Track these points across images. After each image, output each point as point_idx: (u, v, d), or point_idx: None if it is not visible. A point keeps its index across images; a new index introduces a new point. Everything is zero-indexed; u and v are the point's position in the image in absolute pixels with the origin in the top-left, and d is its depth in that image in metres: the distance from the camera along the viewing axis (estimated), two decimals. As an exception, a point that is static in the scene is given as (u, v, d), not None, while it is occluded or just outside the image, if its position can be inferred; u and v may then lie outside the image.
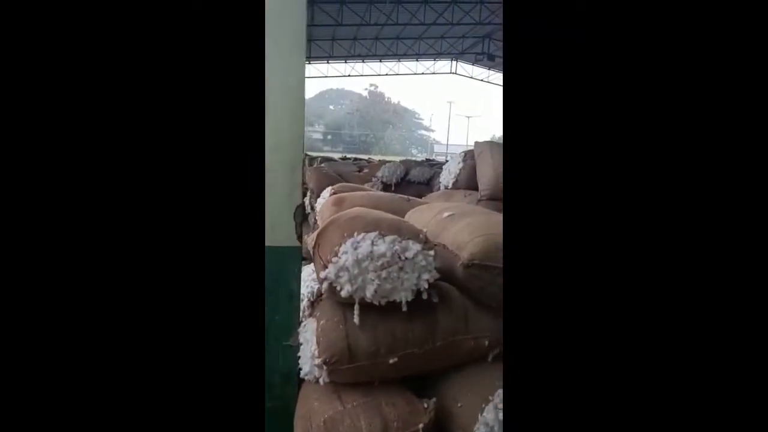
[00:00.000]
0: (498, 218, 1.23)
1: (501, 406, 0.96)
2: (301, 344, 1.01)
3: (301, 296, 1.13)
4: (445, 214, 1.27)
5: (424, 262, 0.94)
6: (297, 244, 1.02)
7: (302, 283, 1.14)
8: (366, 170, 4.48)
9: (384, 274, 0.90)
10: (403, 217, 1.47)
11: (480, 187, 1.93)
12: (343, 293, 0.90)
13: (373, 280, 0.90)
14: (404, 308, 0.94)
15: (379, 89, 49.42)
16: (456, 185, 2.20)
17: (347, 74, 18.21)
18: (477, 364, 1.05)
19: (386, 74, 18.19)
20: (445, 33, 13.81)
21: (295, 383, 1.05)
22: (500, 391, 0.98)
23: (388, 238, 0.92)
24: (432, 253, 0.96)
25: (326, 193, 1.90)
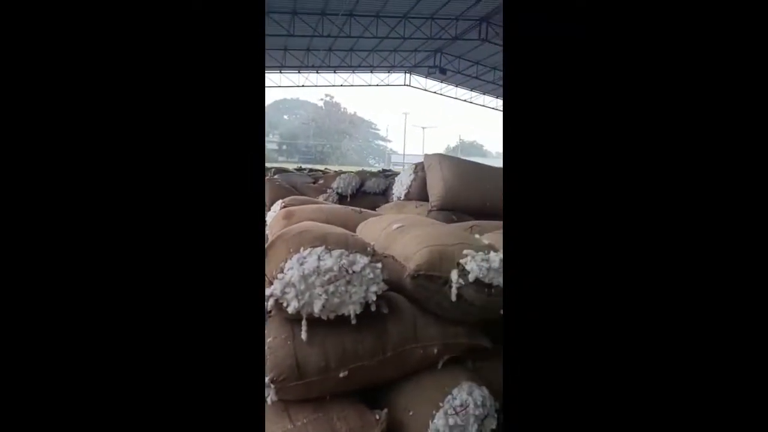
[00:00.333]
0: (445, 229, 1.28)
1: (451, 411, 0.99)
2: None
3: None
4: (395, 226, 1.30)
5: (371, 275, 0.96)
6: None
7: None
8: (321, 181, 4.45)
9: (331, 288, 0.91)
10: (355, 228, 1.49)
11: (430, 198, 1.99)
12: (290, 309, 0.90)
13: (321, 295, 0.90)
14: (353, 321, 0.95)
15: (334, 99, 49.50)
16: (408, 196, 2.26)
17: (301, 84, 18.09)
18: (427, 371, 1.08)
19: (341, 85, 18.28)
20: (398, 47, 14.15)
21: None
22: (449, 397, 1.01)
23: (335, 253, 0.93)
24: (379, 265, 0.98)
25: (277, 206, 1.87)
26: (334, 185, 3.73)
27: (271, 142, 43.52)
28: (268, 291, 0.91)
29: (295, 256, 0.91)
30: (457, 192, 1.90)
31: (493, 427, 1.05)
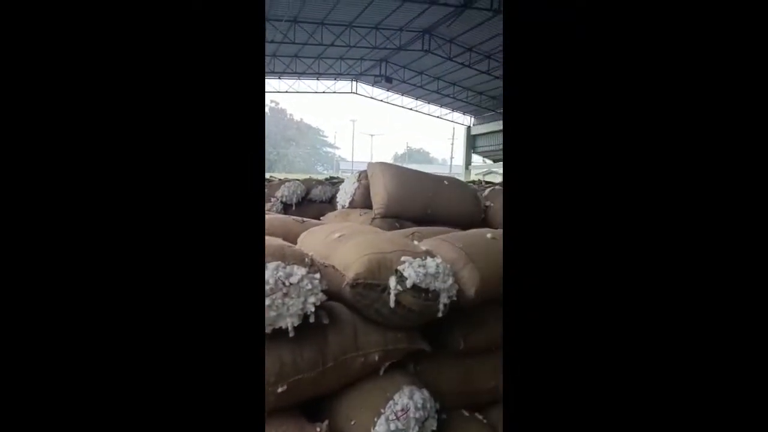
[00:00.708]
0: (385, 236, 1.30)
1: (392, 417, 1.01)
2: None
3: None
4: (336, 235, 1.30)
5: (309, 286, 0.95)
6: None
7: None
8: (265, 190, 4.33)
9: (268, 301, 0.89)
10: (297, 239, 1.47)
11: (374, 206, 2.02)
12: (224, 326, 0.86)
13: (256, 309, 0.88)
14: (291, 334, 0.93)
15: (280, 106, 48.41)
16: (352, 204, 2.27)
17: (245, 90, 17.44)
18: (368, 379, 1.09)
19: (286, 91, 17.95)
20: (344, 54, 14.22)
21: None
22: (391, 403, 1.02)
23: (271, 265, 0.92)
24: (317, 276, 0.98)
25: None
26: (278, 194, 3.65)
27: (214, 148, 41.24)
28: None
29: (228, 270, 0.88)
30: (399, 200, 1.94)
31: (434, 428, 1.08)
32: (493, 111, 15.77)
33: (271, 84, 17.32)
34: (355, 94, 17.96)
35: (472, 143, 17.97)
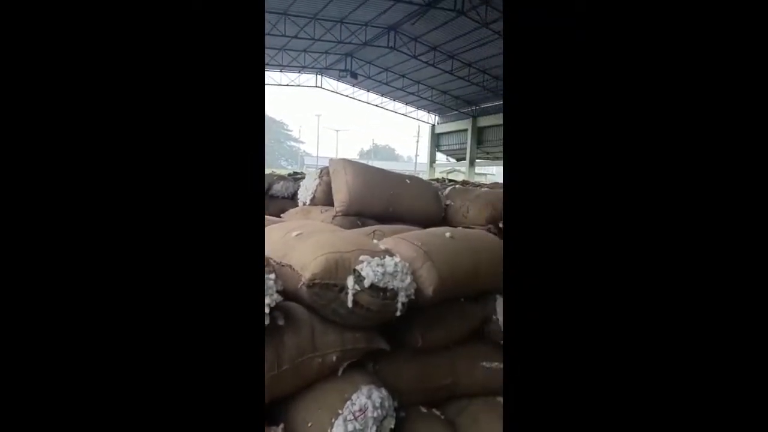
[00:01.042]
0: (344, 235, 1.29)
1: (350, 417, 1.00)
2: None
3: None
4: (294, 234, 1.27)
5: (264, 286, 0.92)
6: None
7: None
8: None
9: (219, 304, 0.85)
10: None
11: (335, 203, 1.99)
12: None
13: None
14: (244, 337, 0.90)
15: (242, 98, 46.59)
16: (314, 201, 2.23)
17: (203, 80, 16.71)
18: (326, 379, 1.07)
19: (249, 83, 17.30)
20: (308, 47, 13.95)
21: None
22: (349, 403, 1.02)
23: (223, 266, 0.88)
24: (273, 276, 0.95)
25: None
26: (238, 189, 3.51)
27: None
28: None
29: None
30: (361, 197, 1.93)
31: (392, 426, 1.09)
32: (457, 110, 16.08)
33: (231, 75, 16.62)
34: (320, 88, 17.68)
35: (436, 141, 18.26)
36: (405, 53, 12.22)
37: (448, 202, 2.22)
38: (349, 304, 1.01)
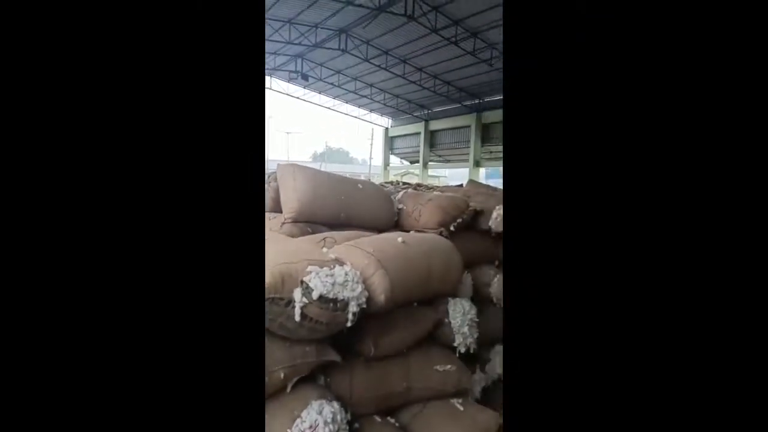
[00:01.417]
0: (291, 245, 1.24)
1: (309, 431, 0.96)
2: None
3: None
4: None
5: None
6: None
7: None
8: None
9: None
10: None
11: (284, 210, 1.93)
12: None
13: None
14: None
15: (186, 98, 44.23)
16: (262, 208, 2.14)
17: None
18: (274, 397, 1.02)
19: (193, 82, 16.46)
20: (257, 47, 13.49)
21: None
22: (299, 421, 0.98)
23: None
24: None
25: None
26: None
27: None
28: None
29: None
30: (311, 203, 1.88)
31: (345, 439, 1.06)
32: (409, 114, 16.35)
33: (173, 73, 15.74)
34: (269, 90, 17.21)
35: (390, 144, 18.45)
36: (357, 56, 12.23)
37: (400, 206, 2.22)
38: (297, 318, 0.97)
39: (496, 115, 13.33)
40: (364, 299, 1.11)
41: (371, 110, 17.92)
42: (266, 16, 10.87)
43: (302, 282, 0.99)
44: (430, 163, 16.35)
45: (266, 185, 2.12)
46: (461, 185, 4.45)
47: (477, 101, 13.71)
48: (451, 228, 2.04)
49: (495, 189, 3.59)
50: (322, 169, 2.44)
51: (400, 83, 13.71)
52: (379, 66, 12.59)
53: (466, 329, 1.63)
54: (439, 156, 16.22)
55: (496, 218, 2.25)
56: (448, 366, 1.47)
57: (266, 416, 0.99)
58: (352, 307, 1.07)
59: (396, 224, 2.16)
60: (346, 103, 17.55)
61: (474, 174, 13.57)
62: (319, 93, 17.25)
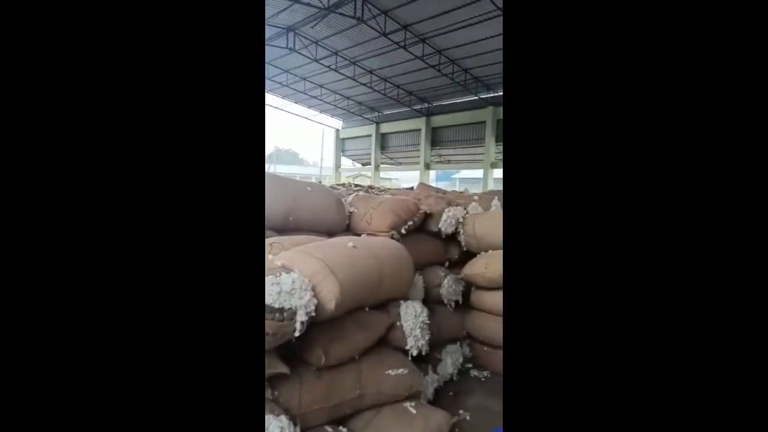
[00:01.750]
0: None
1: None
2: None
3: None
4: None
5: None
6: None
7: None
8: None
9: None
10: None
11: (228, 214, 1.83)
12: None
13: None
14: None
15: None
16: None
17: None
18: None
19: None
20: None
21: None
22: None
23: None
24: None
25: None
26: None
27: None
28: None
29: None
30: (257, 207, 1.80)
31: (294, 454, 1.02)
32: (361, 116, 16.35)
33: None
34: (214, 87, 16.35)
35: (341, 146, 18.32)
36: (306, 56, 12.02)
37: (351, 209, 2.20)
38: (241, 330, 0.91)
39: (444, 120, 13.72)
40: (312, 307, 1.07)
41: (321, 111, 17.70)
42: (209, 9, 10.36)
43: (246, 292, 0.94)
44: (381, 165, 16.47)
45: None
46: (412, 188, 4.52)
47: (426, 105, 14.03)
48: (402, 231, 2.05)
49: (445, 192, 3.68)
50: (271, 170, 2.35)
51: (351, 85, 13.69)
52: (328, 67, 12.46)
53: (418, 332, 1.64)
54: (391, 158, 16.39)
55: (446, 220, 2.30)
56: (401, 370, 1.47)
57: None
58: (300, 316, 1.03)
59: (347, 228, 2.13)
60: (296, 103, 17.18)
61: (424, 177, 13.86)
62: (268, 92, 16.73)
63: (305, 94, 15.66)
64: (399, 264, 1.65)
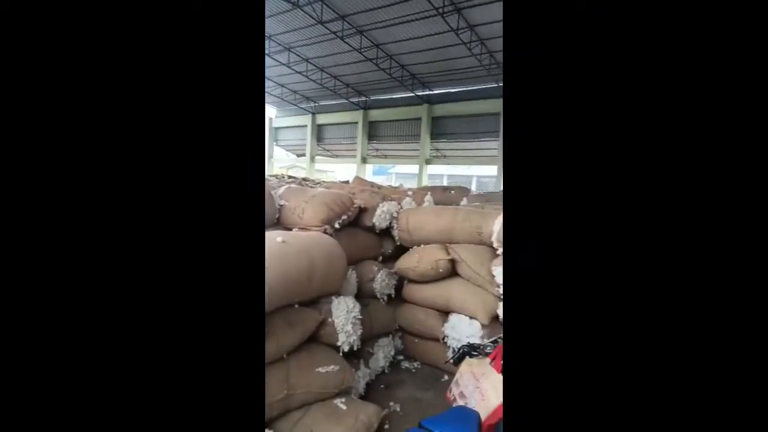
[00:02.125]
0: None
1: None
2: None
3: None
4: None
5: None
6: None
7: None
8: None
9: None
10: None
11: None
12: None
13: None
14: None
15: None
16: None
17: None
18: None
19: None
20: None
21: None
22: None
23: None
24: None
25: None
26: None
27: None
28: None
29: None
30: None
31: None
32: (296, 105, 15.83)
33: None
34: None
35: (274, 136, 17.60)
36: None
37: (282, 202, 2.11)
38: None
39: (382, 114, 13.82)
40: (236, 307, 1.00)
41: (254, 98, 16.77)
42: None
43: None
44: (317, 157, 16.15)
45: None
46: (347, 182, 4.48)
47: (364, 99, 14.00)
48: (336, 225, 2.02)
49: (380, 186, 3.69)
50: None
51: (285, 72, 13.16)
52: (262, 52, 11.82)
53: (349, 327, 1.63)
54: (327, 150, 16.14)
55: (380, 215, 2.31)
56: (331, 366, 1.45)
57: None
58: (222, 318, 0.95)
59: (277, 221, 2.04)
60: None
61: (361, 170, 13.87)
62: (193, 73, 15.45)
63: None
64: (331, 260, 1.62)
